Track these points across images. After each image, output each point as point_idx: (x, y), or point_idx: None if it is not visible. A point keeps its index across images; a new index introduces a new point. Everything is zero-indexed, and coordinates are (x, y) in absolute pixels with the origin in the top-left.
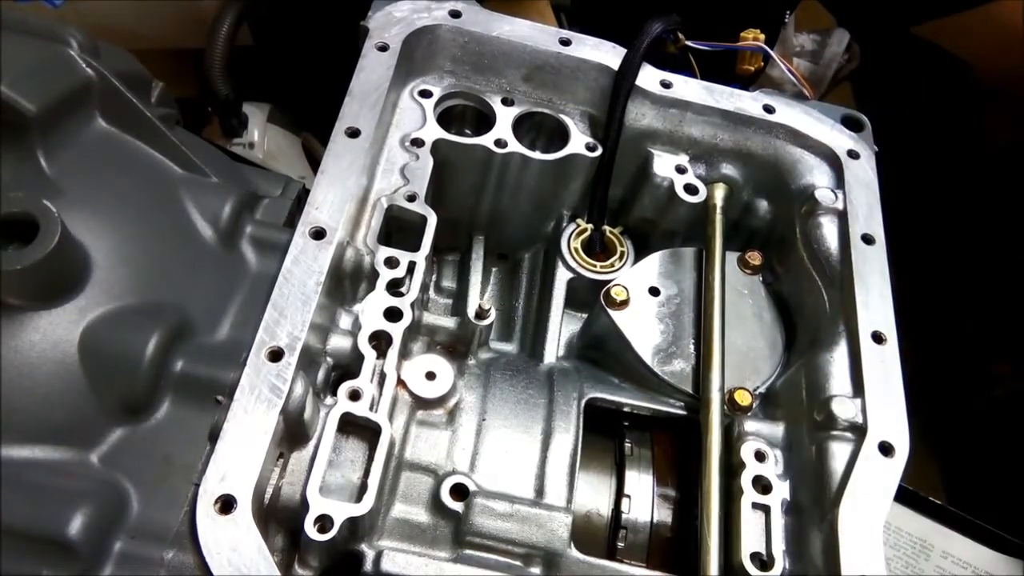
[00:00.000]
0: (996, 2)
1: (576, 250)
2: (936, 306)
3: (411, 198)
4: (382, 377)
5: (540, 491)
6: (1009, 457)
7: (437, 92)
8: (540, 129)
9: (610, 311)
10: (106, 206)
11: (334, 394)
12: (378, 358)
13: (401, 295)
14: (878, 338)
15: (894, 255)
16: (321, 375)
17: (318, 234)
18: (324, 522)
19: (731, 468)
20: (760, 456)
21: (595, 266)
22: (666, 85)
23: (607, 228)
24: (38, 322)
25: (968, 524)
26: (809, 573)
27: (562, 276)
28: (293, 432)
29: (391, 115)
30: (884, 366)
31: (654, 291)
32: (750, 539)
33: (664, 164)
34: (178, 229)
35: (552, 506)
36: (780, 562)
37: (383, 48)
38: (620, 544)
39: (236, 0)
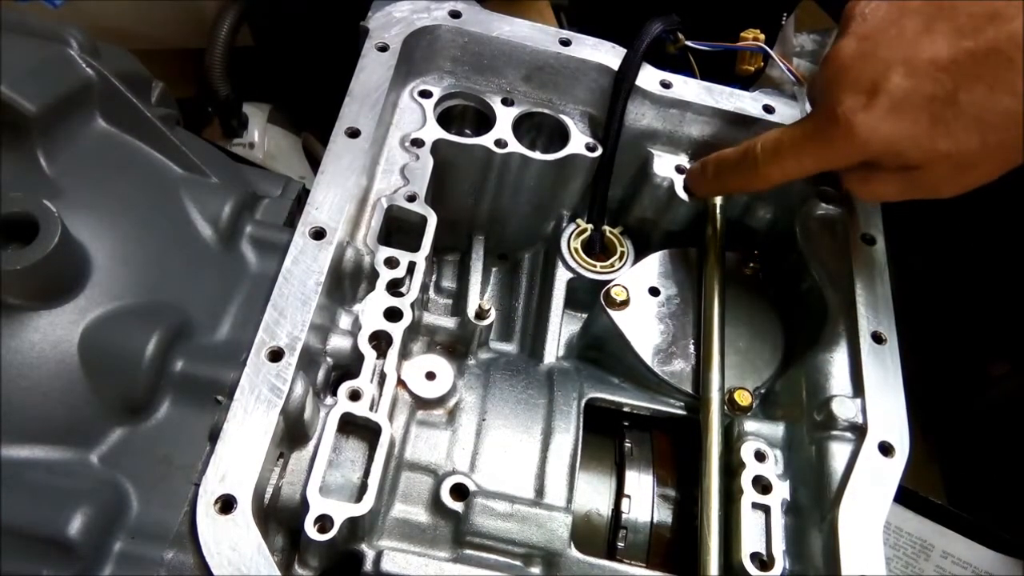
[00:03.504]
0: None
1: (576, 250)
2: (936, 306)
3: (411, 198)
4: (382, 377)
5: (540, 491)
6: (1009, 457)
7: (437, 92)
8: (540, 129)
9: (610, 311)
10: (106, 206)
11: (334, 394)
12: (378, 358)
13: (401, 295)
14: (878, 338)
15: (894, 255)
16: (321, 375)
17: (318, 234)
18: (324, 522)
19: (731, 468)
20: (760, 456)
21: (595, 266)
22: (666, 85)
23: (607, 228)
24: (38, 322)
25: (968, 524)
26: (809, 573)
27: (562, 276)
28: (293, 432)
29: (391, 115)
30: (884, 366)
31: (654, 291)
32: (750, 539)
33: (664, 164)
34: (178, 229)
35: (552, 506)
36: (780, 562)
37: (383, 48)
38: (620, 544)
39: (236, 0)
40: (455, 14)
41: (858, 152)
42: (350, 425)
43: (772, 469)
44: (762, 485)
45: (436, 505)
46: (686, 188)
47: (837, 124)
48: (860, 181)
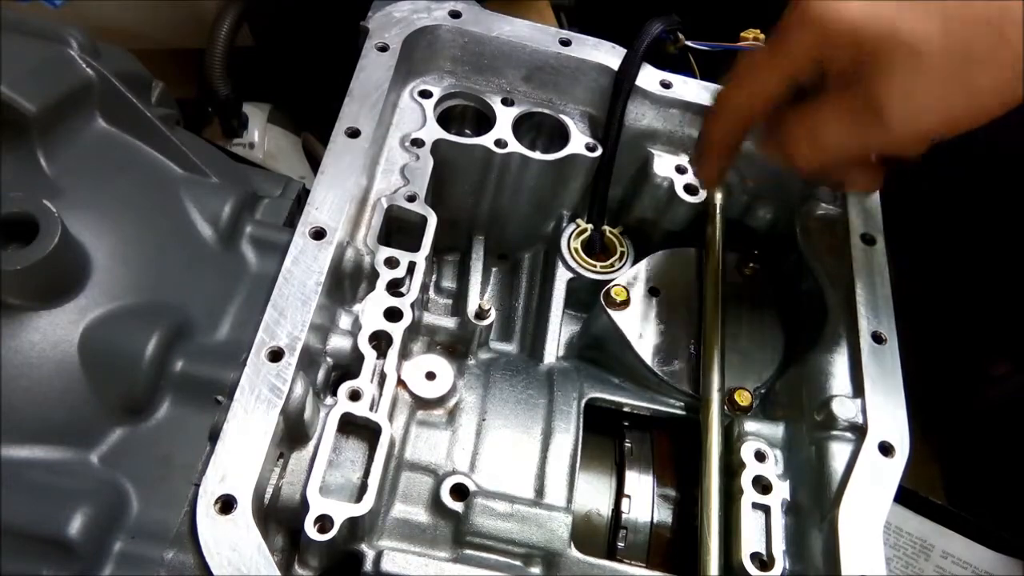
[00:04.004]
0: None
1: (576, 250)
2: (936, 306)
3: (411, 198)
4: (382, 377)
5: (540, 491)
6: (1009, 457)
7: (437, 92)
8: (540, 129)
9: (610, 311)
10: (106, 206)
11: (334, 394)
12: (378, 358)
13: (401, 295)
14: (878, 338)
15: (894, 255)
16: (321, 375)
17: (318, 234)
18: (324, 522)
19: (731, 468)
20: (760, 456)
21: (595, 266)
22: (666, 85)
23: (607, 228)
24: (38, 322)
25: (968, 524)
26: (809, 573)
27: (562, 276)
28: (293, 432)
29: (391, 115)
30: (884, 366)
31: (654, 291)
32: (750, 539)
33: (664, 164)
34: (178, 229)
35: (552, 506)
36: (780, 562)
37: (383, 48)
38: (620, 544)
39: (236, 0)
40: (455, 14)
41: (814, 36)
42: (350, 425)
43: (772, 469)
44: (762, 485)
45: (436, 505)
46: (698, 183)
47: (792, 11)
48: (802, 120)
